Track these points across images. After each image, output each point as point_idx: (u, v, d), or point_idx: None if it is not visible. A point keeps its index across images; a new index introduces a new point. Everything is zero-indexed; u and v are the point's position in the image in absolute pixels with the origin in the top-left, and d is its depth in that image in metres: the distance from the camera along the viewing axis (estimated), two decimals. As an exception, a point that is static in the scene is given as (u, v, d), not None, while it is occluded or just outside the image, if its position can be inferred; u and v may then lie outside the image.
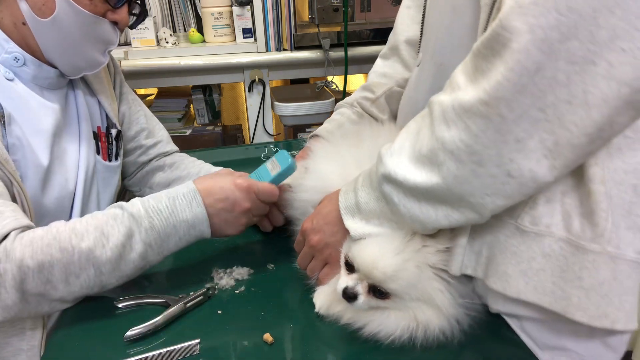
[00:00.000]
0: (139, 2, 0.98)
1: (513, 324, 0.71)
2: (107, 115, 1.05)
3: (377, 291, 0.66)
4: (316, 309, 0.74)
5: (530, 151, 0.53)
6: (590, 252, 0.61)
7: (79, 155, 0.97)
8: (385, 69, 1.07)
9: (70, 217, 0.96)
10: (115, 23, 0.93)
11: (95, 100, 1.03)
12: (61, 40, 0.89)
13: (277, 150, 1.46)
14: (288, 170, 0.86)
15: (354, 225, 0.69)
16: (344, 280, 0.68)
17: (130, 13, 0.97)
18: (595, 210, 0.60)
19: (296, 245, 0.82)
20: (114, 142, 1.04)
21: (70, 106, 0.98)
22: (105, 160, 1.03)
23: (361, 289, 0.67)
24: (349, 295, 0.67)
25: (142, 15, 1.02)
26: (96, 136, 1.01)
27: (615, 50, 0.48)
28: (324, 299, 0.74)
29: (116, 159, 1.06)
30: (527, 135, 0.53)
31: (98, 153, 1.02)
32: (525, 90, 0.51)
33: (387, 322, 0.68)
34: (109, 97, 1.05)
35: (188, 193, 0.80)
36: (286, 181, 0.88)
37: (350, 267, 0.69)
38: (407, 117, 0.84)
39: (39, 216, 0.87)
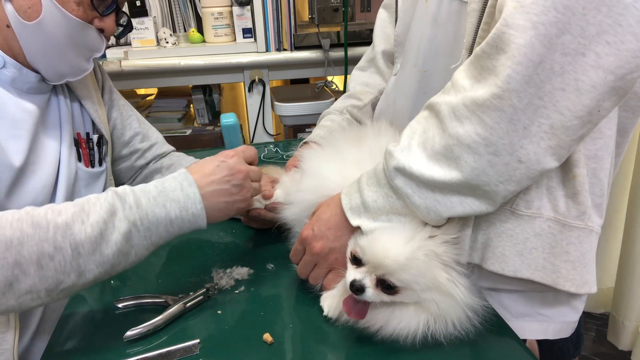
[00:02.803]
0: (127, 12, 0.97)
1: (490, 296, 0.77)
2: (92, 122, 1.03)
3: (386, 285, 0.66)
4: (324, 313, 0.74)
5: (532, 135, 0.58)
6: (575, 228, 0.70)
7: (59, 162, 0.94)
8: (366, 79, 1.12)
9: None
10: (101, 31, 0.91)
11: (79, 107, 1.02)
12: (45, 45, 0.86)
13: (276, 149, 1.46)
14: (232, 128, 0.84)
15: (362, 222, 0.69)
16: (352, 273, 0.68)
17: (118, 23, 0.95)
18: (580, 191, 0.68)
19: (293, 255, 0.80)
20: (95, 148, 1.02)
21: (51, 111, 0.95)
22: (87, 166, 1.01)
23: (369, 281, 0.66)
24: (357, 288, 0.66)
25: (129, 26, 1.01)
26: (77, 143, 0.99)
27: (602, 43, 0.55)
28: (332, 302, 0.74)
29: (100, 164, 1.04)
30: (530, 122, 0.58)
31: (80, 160, 0.99)
32: (531, 81, 0.56)
33: (404, 321, 0.67)
34: (95, 103, 1.04)
35: (179, 175, 0.75)
36: (280, 198, 0.89)
37: (357, 261, 0.68)
38: (390, 121, 0.91)
39: None
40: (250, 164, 0.83)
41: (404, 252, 0.64)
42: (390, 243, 0.65)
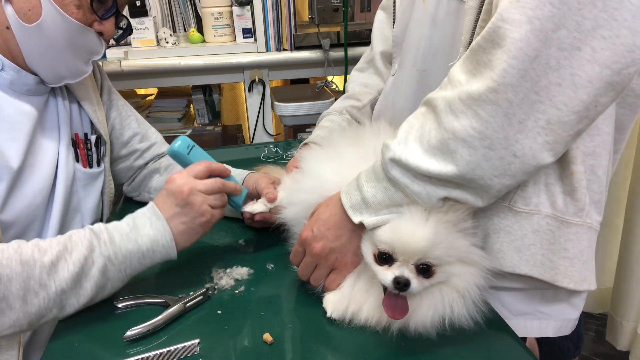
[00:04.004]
0: (126, 15, 0.97)
1: (489, 295, 0.76)
2: (91, 122, 1.03)
3: (424, 269, 0.66)
4: (328, 314, 0.73)
5: (528, 130, 0.58)
6: (573, 225, 0.70)
7: (57, 164, 0.94)
8: (365, 80, 1.12)
9: (47, 226, 0.93)
10: (101, 34, 0.91)
11: (77, 108, 1.01)
12: (45, 47, 0.86)
13: (276, 149, 1.46)
14: (176, 154, 0.85)
15: (364, 219, 0.69)
16: (388, 274, 0.67)
17: (117, 27, 0.96)
18: (577, 188, 0.69)
19: (293, 256, 0.80)
20: (93, 149, 1.02)
21: (49, 113, 0.95)
22: (85, 167, 1.01)
23: (409, 273, 0.66)
24: (404, 283, 0.65)
25: (128, 30, 1.01)
26: (74, 143, 0.99)
27: (597, 37, 0.55)
28: (336, 303, 0.74)
29: (98, 165, 1.04)
30: (526, 116, 0.58)
31: (78, 160, 1.00)
32: (526, 75, 0.56)
33: (432, 306, 0.67)
34: (94, 104, 1.04)
35: (147, 211, 0.80)
36: (284, 200, 0.88)
37: (386, 260, 0.68)
38: (389, 121, 0.91)
39: (4, 226, 0.84)
40: (208, 176, 0.83)
41: (430, 229, 0.65)
42: (413, 226, 0.66)
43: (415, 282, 0.66)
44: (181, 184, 0.80)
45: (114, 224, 0.78)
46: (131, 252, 0.75)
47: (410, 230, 0.66)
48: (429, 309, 0.67)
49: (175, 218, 0.79)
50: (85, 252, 0.72)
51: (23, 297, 0.68)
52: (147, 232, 0.77)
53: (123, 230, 0.76)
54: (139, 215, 0.79)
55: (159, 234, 0.77)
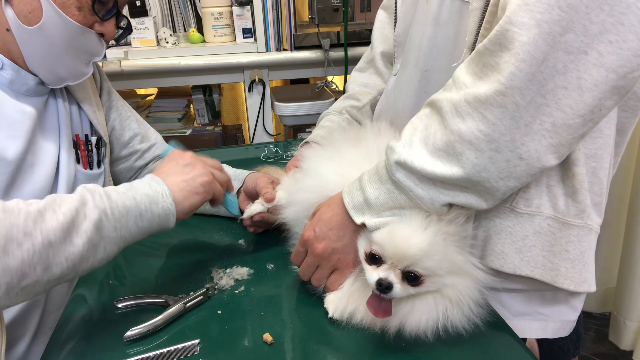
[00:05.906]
0: (126, 15, 0.97)
1: (490, 295, 0.75)
2: (91, 124, 1.03)
3: (411, 277, 0.65)
4: (330, 315, 0.73)
5: (534, 133, 0.59)
6: (574, 226, 0.70)
7: (57, 165, 0.94)
8: (365, 80, 1.13)
9: None
10: (101, 35, 0.91)
11: (77, 109, 1.01)
12: (45, 49, 0.86)
13: (276, 149, 1.46)
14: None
15: (365, 220, 0.69)
16: (374, 274, 0.67)
17: (118, 26, 0.96)
18: (579, 190, 0.69)
19: (295, 257, 0.79)
20: (93, 150, 1.02)
21: (49, 114, 0.95)
22: (85, 168, 1.01)
23: (394, 277, 0.66)
24: (385, 286, 0.65)
25: (128, 29, 1.01)
26: (75, 145, 0.99)
27: (604, 42, 0.56)
28: (337, 303, 0.73)
29: (98, 166, 1.04)
30: (532, 119, 0.58)
31: (78, 162, 0.99)
32: (534, 78, 0.56)
33: (426, 313, 0.67)
34: (94, 105, 1.03)
35: (145, 178, 0.77)
36: (283, 200, 0.89)
37: (376, 260, 0.68)
38: (391, 121, 0.92)
39: None
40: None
41: (425, 238, 0.64)
42: (409, 232, 0.65)
43: (399, 287, 0.65)
44: (182, 152, 0.81)
45: (109, 187, 0.73)
46: (128, 209, 0.69)
47: (404, 236, 0.65)
48: (422, 314, 0.67)
49: (175, 176, 0.77)
50: (76, 204, 0.65)
51: (4, 247, 0.58)
52: (145, 191, 0.73)
53: (119, 189, 0.72)
54: (137, 181, 0.75)
55: (159, 196, 0.73)
